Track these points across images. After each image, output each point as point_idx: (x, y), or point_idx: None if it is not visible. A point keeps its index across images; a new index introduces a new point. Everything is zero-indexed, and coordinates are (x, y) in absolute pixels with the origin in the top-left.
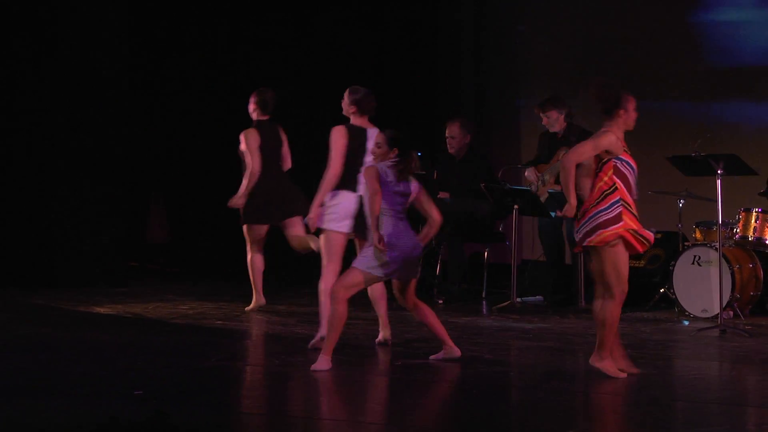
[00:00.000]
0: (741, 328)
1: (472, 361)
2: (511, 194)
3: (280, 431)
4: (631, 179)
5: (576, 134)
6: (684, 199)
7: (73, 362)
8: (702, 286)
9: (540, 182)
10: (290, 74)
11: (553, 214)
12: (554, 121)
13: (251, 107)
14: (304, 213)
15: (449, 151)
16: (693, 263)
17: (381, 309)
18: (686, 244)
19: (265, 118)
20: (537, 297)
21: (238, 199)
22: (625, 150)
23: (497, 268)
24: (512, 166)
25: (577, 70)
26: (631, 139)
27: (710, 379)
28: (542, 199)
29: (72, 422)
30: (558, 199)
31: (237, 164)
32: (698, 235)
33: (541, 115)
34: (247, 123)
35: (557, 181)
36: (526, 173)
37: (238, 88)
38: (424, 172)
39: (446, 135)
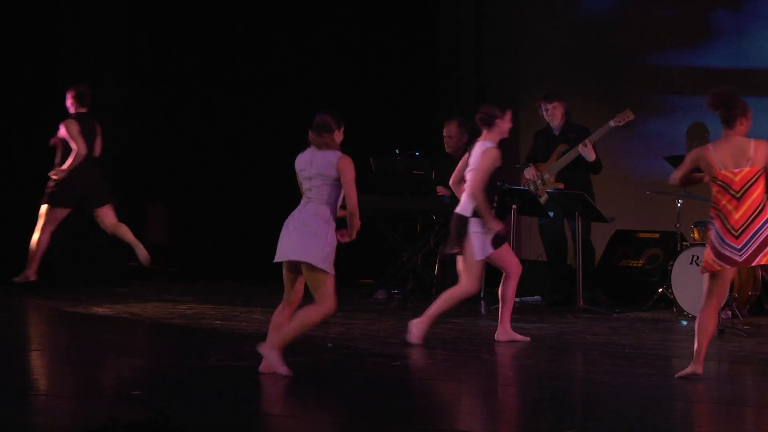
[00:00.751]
0: (739, 328)
1: (471, 360)
2: (510, 194)
3: (278, 431)
4: None
5: (575, 131)
6: (682, 199)
7: (73, 362)
8: (700, 286)
9: (540, 181)
10: (290, 74)
11: (551, 214)
12: (558, 114)
13: (69, 101)
14: (112, 202)
15: (447, 150)
16: (691, 263)
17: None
18: (684, 244)
19: (83, 110)
20: (535, 297)
21: (61, 173)
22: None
23: (496, 268)
24: (511, 166)
25: (577, 70)
26: (629, 138)
27: (708, 379)
28: (542, 199)
29: (71, 422)
30: (558, 200)
31: (237, 164)
32: (696, 235)
33: (545, 106)
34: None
35: (558, 180)
36: (525, 172)
37: (238, 88)
38: (423, 172)
39: (444, 134)
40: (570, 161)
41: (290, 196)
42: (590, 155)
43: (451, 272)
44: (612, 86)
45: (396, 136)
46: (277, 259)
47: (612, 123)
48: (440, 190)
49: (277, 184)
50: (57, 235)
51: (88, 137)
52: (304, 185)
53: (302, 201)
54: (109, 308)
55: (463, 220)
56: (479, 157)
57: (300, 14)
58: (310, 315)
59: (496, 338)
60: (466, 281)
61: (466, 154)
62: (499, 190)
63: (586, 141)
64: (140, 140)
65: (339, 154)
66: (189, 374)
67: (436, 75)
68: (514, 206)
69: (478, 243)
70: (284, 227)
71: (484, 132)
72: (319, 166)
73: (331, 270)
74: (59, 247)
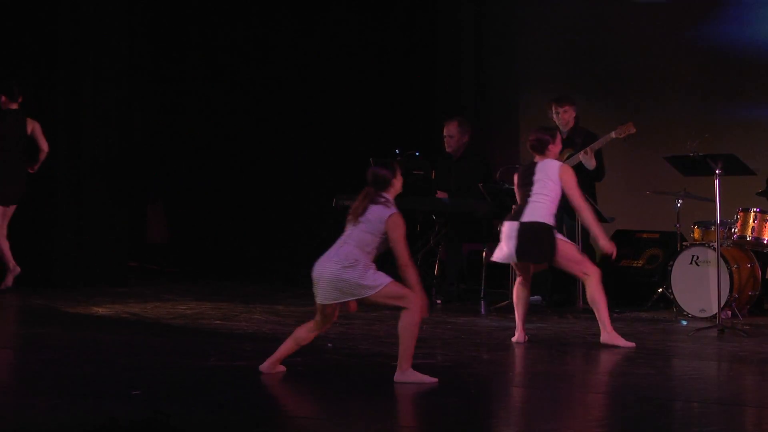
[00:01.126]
0: (739, 328)
1: (470, 361)
2: (509, 194)
3: (278, 431)
4: None
5: (582, 136)
6: (682, 199)
7: (72, 362)
8: (700, 286)
9: None
10: (291, 74)
11: None
12: (568, 117)
13: (2, 99)
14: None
15: (447, 150)
16: (691, 263)
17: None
18: (684, 244)
19: (13, 106)
20: (535, 297)
21: None
22: None
23: (495, 268)
24: (510, 166)
25: (577, 70)
26: (629, 138)
27: (708, 379)
28: None
29: (71, 422)
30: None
31: (237, 164)
32: (696, 235)
33: (556, 108)
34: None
35: None
36: None
37: (238, 88)
38: (423, 172)
39: (444, 134)
40: (573, 166)
41: (291, 196)
42: (590, 163)
43: (451, 272)
44: (613, 87)
45: (396, 136)
46: (319, 301)
47: (613, 134)
48: (439, 194)
49: (277, 184)
50: (58, 234)
51: (9, 135)
52: (348, 226)
53: (340, 240)
54: (109, 308)
55: (549, 230)
56: (558, 174)
57: (300, 14)
58: (410, 321)
59: (601, 341)
60: (588, 270)
61: (518, 172)
62: (499, 190)
63: (587, 149)
64: (140, 140)
65: (392, 211)
66: (189, 374)
67: (436, 75)
68: (514, 206)
69: (568, 238)
70: (319, 266)
71: (537, 156)
72: (370, 216)
73: (384, 281)
74: (61, 246)
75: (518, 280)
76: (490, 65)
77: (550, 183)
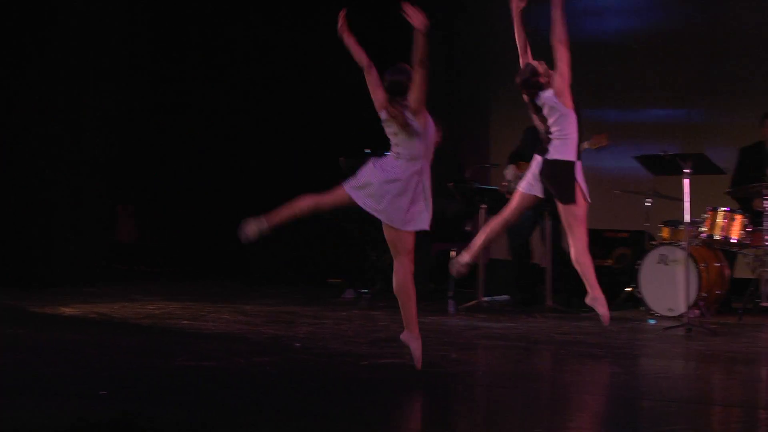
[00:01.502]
0: (707, 327)
1: (439, 360)
2: (480, 194)
3: (245, 431)
4: None
5: None
6: (651, 199)
7: (40, 362)
8: (668, 285)
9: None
10: (290, 73)
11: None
12: None
13: None
14: None
15: None
16: (659, 262)
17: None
18: (653, 243)
19: None
20: (503, 296)
21: None
22: None
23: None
24: (480, 166)
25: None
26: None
27: (676, 378)
28: None
29: (38, 423)
30: None
31: (234, 164)
32: (665, 234)
33: None
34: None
35: None
36: (505, 171)
37: (237, 88)
38: None
39: None
40: None
41: (276, 198)
42: None
43: (420, 272)
44: (592, 85)
45: (367, 136)
46: (359, 202)
47: (586, 144)
48: None
49: (257, 183)
50: (57, 234)
51: None
52: (392, 140)
53: (391, 155)
54: (77, 308)
55: (569, 167)
56: (558, 95)
57: (300, 14)
58: (402, 279)
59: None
60: (578, 231)
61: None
62: (469, 189)
63: None
64: (139, 140)
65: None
66: (156, 374)
67: None
68: (483, 206)
69: (585, 184)
70: (369, 172)
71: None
72: (412, 124)
73: (407, 233)
74: (60, 246)
75: (503, 216)
76: (461, 64)
77: (562, 114)
